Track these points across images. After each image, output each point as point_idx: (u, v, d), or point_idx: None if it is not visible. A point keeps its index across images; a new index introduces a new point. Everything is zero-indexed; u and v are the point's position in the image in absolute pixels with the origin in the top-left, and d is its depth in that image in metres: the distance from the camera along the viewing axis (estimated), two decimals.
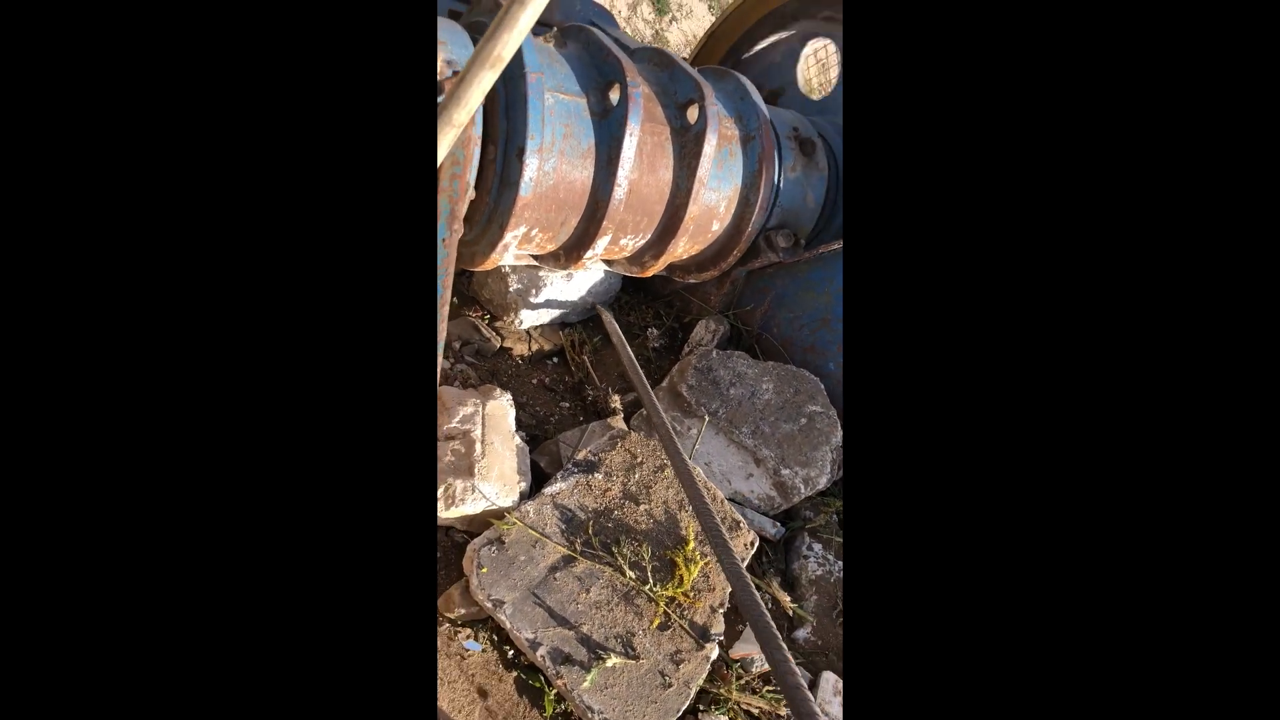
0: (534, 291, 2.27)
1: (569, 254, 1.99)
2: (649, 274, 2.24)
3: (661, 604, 1.62)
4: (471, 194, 1.73)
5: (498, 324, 2.26)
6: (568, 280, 2.31)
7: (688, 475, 1.66)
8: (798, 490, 2.08)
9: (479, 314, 2.26)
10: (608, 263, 2.24)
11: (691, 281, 2.35)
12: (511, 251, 1.91)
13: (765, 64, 2.79)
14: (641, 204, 1.94)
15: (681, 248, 2.15)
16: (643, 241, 2.06)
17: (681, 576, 1.68)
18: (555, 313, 2.35)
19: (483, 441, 1.79)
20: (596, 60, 1.85)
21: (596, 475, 1.82)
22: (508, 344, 2.23)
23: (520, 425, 2.04)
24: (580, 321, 2.42)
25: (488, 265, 1.91)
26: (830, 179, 2.32)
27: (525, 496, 1.80)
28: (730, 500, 2.07)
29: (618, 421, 2.06)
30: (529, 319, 2.31)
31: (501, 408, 1.86)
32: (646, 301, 2.58)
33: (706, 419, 2.14)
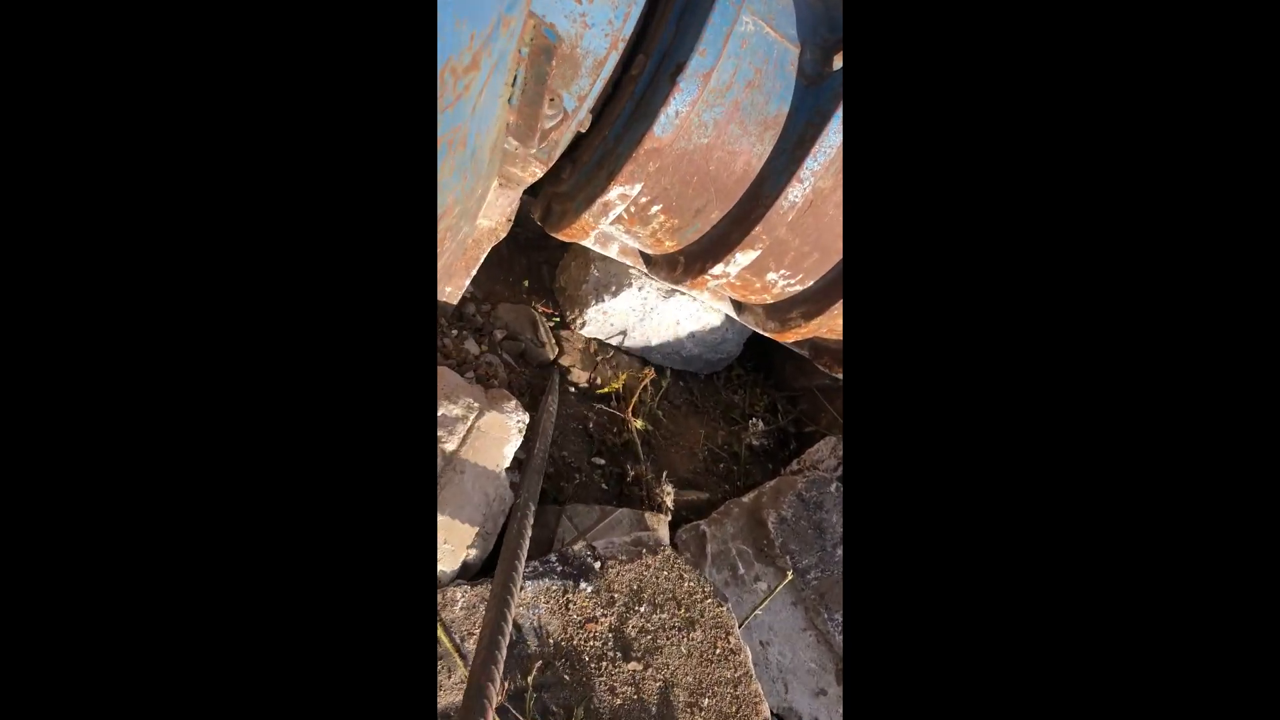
0: (615, 291, 1.63)
1: (690, 262, 1.37)
2: (788, 340, 1.56)
3: None
4: (585, 120, 1.18)
5: (563, 331, 1.65)
6: (666, 300, 1.65)
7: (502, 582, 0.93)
8: None
9: (546, 309, 1.67)
10: (737, 305, 1.59)
11: (839, 376, 1.63)
12: (612, 222, 1.32)
13: None
14: (820, 228, 1.29)
15: None
16: (799, 287, 1.40)
17: None
18: (637, 341, 1.70)
19: (449, 463, 1.15)
20: (831, 9, 1.27)
21: (584, 588, 1.11)
22: (565, 360, 1.61)
23: (520, 466, 1.38)
24: (664, 369, 1.75)
25: (575, 234, 1.33)
26: None
27: (468, 572, 1.13)
28: (776, 717, 1.26)
29: (659, 525, 1.35)
30: (596, 327, 1.66)
31: (503, 426, 1.22)
32: (765, 384, 1.88)
33: (789, 575, 1.37)
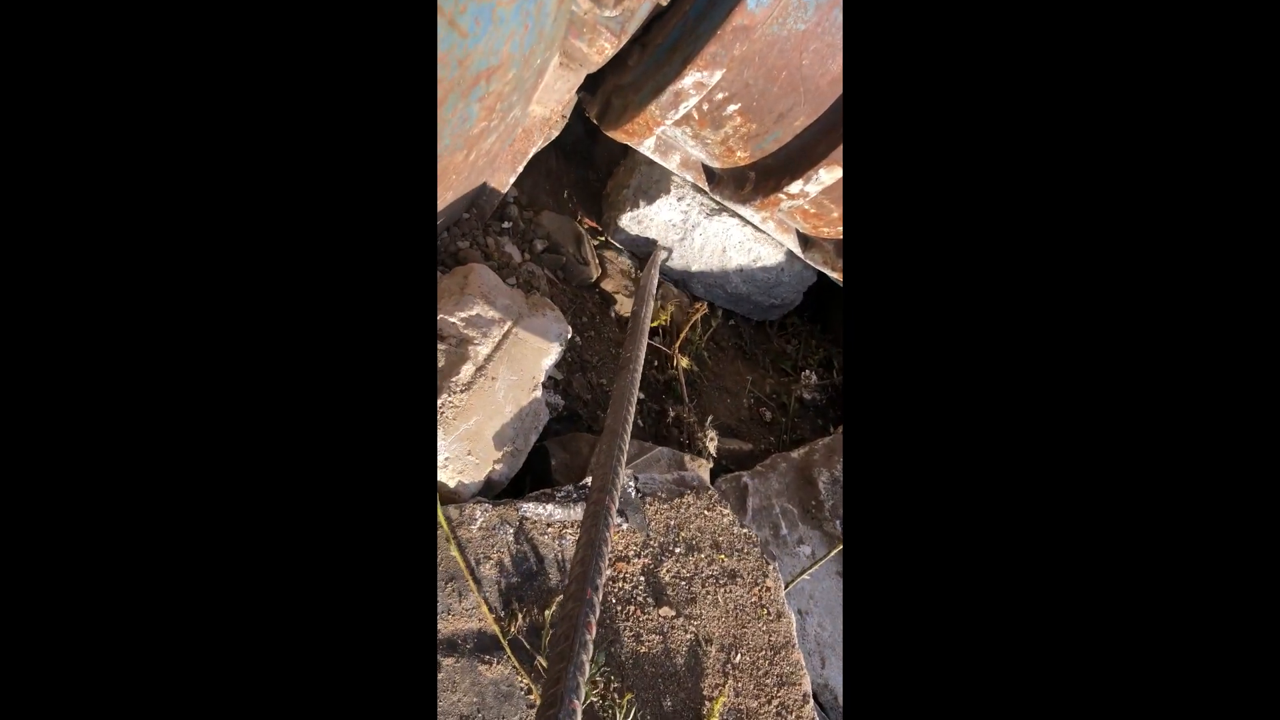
0: (652, 198, 1.45)
1: (764, 178, 1.21)
2: None
3: None
4: None
5: (607, 252, 1.50)
6: (710, 218, 1.47)
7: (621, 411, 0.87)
8: None
9: (593, 224, 1.52)
10: (804, 239, 1.43)
11: None
12: (678, 122, 1.16)
13: None
14: None
15: None
16: None
17: None
18: (676, 263, 1.53)
19: (480, 369, 1.02)
20: None
21: (619, 523, 0.98)
22: (607, 284, 1.46)
23: (558, 387, 1.25)
24: (714, 308, 1.59)
25: (636, 133, 1.18)
26: None
27: (491, 489, 1.00)
28: (813, 697, 1.14)
29: (700, 468, 1.21)
30: (629, 236, 1.49)
31: (544, 336, 1.09)
32: (822, 337, 1.72)
33: (838, 545, 1.23)
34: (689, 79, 1.03)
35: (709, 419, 1.35)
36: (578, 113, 1.33)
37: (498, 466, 0.99)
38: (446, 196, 1.10)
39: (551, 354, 1.10)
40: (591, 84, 1.27)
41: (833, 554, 1.22)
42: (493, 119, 1.02)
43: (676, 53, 1.05)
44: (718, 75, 1.02)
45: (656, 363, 1.41)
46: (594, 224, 1.53)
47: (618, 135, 1.21)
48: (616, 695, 0.86)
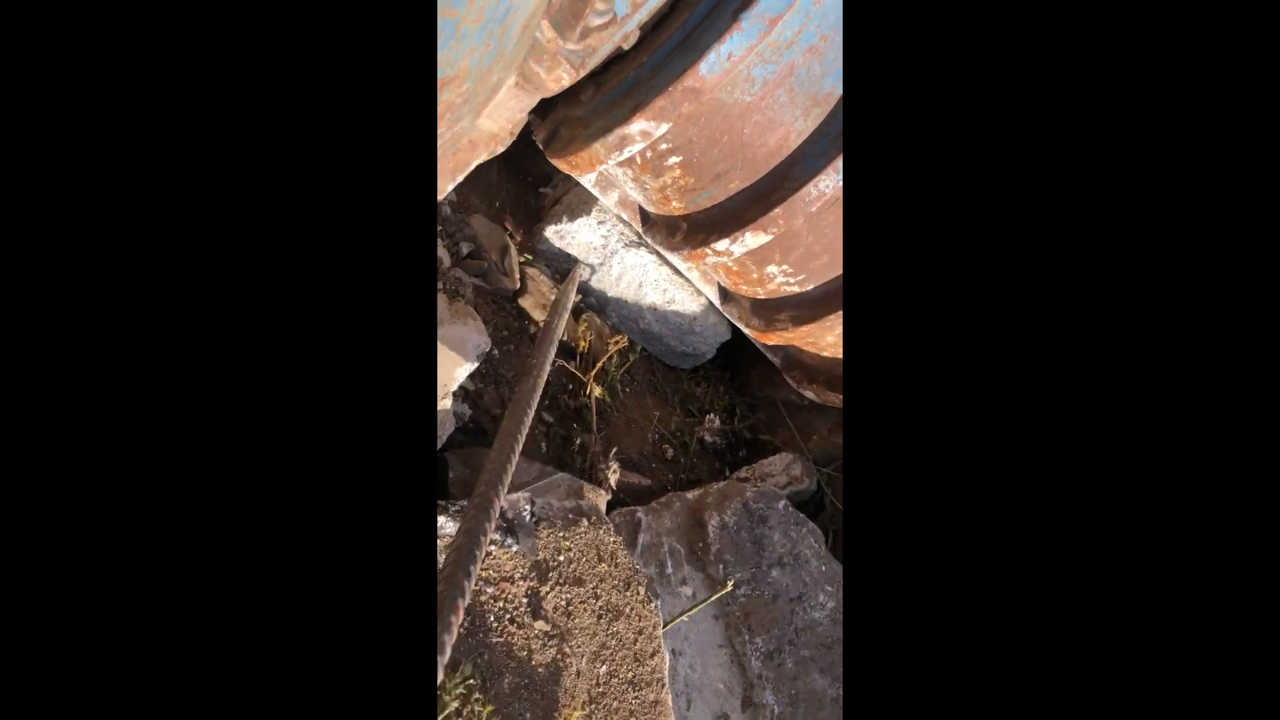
0: (580, 219, 1.45)
1: (694, 231, 1.27)
2: (768, 341, 1.47)
3: None
4: (632, 34, 1.05)
5: (530, 269, 1.51)
6: (629, 249, 1.51)
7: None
8: None
9: (522, 240, 1.53)
10: (724, 292, 1.49)
11: (808, 396, 1.56)
12: (622, 162, 1.20)
13: None
14: (838, 231, 1.21)
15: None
16: (796, 288, 1.32)
17: None
18: (598, 286, 1.56)
19: None
20: None
21: (509, 544, 0.97)
22: (526, 300, 1.47)
23: (468, 397, 1.24)
24: (634, 340, 1.63)
25: (579, 165, 1.20)
26: None
27: None
28: None
29: (598, 501, 1.23)
30: (552, 249, 1.50)
31: (459, 350, 1.08)
32: (729, 384, 1.79)
33: (728, 585, 1.27)
34: (636, 126, 1.07)
35: (613, 450, 1.37)
36: (526, 132, 1.35)
37: None
38: None
39: (466, 366, 1.09)
40: (543, 109, 1.29)
41: (714, 598, 1.26)
42: (441, 127, 1.01)
43: (628, 99, 1.09)
44: (664, 128, 1.07)
45: (570, 387, 1.42)
46: (523, 239, 1.53)
47: (561, 165, 1.24)
48: (477, 706, 0.85)
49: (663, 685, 1.03)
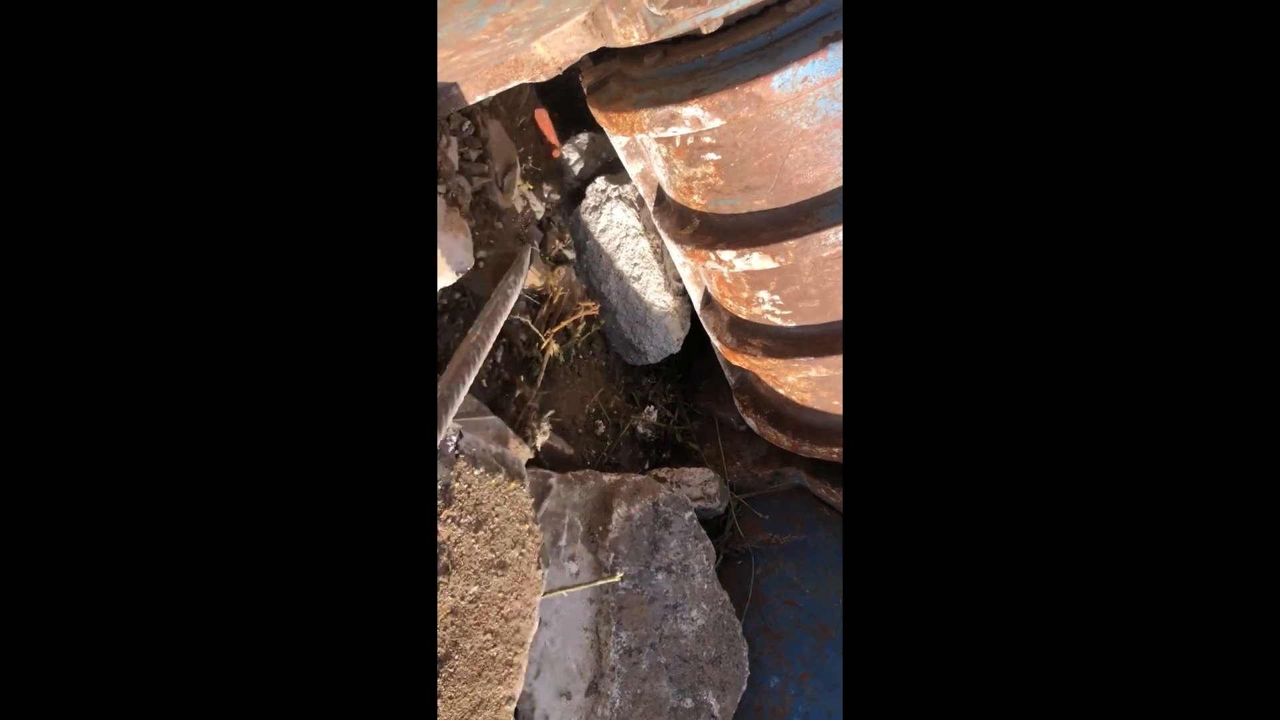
0: (591, 185, 1.44)
1: (704, 231, 1.25)
2: (732, 361, 1.48)
3: None
4: (715, 20, 1.02)
5: (532, 195, 1.45)
6: (624, 221, 1.49)
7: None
8: None
9: (533, 167, 1.46)
10: (706, 298, 1.49)
11: (748, 423, 1.58)
12: (661, 138, 1.17)
13: None
14: (838, 282, 1.22)
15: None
16: (779, 321, 1.32)
17: None
18: (585, 226, 1.52)
19: None
20: None
21: None
22: (516, 221, 1.41)
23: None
24: (604, 303, 1.59)
25: (617, 124, 1.16)
26: None
27: None
28: (518, 703, 1.17)
29: (520, 454, 1.21)
30: (563, 159, 1.50)
31: (442, 259, 1.03)
32: (679, 389, 1.79)
33: (605, 576, 1.29)
34: (690, 110, 1.04)
35: (549, 412, 1.35)
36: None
37: None
38: None
39: (444, 278, 1.04)
40: (598, 55, 1.23)
41: (598, 583, 1.27)
42: (496, 36, 0.95)
43: (691, 81, 1.05)
44: (716, 122, 1.05)
45: (524, 338, 1.39)
46: (534, 167, 1.48)
47: (600, 117, 1.19)
48: None
49: (522, 648, 1.03)
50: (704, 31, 1.05)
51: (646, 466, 1.63)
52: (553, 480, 1.31)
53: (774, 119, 1.06)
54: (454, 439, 1.00)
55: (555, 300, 1.45)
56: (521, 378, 1.37)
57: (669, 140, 1.15)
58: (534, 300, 1.43)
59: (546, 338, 1.38)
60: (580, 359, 1.53)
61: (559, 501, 1.32)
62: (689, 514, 1.46)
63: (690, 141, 1.13)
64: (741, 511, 1.65)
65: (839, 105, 1.04)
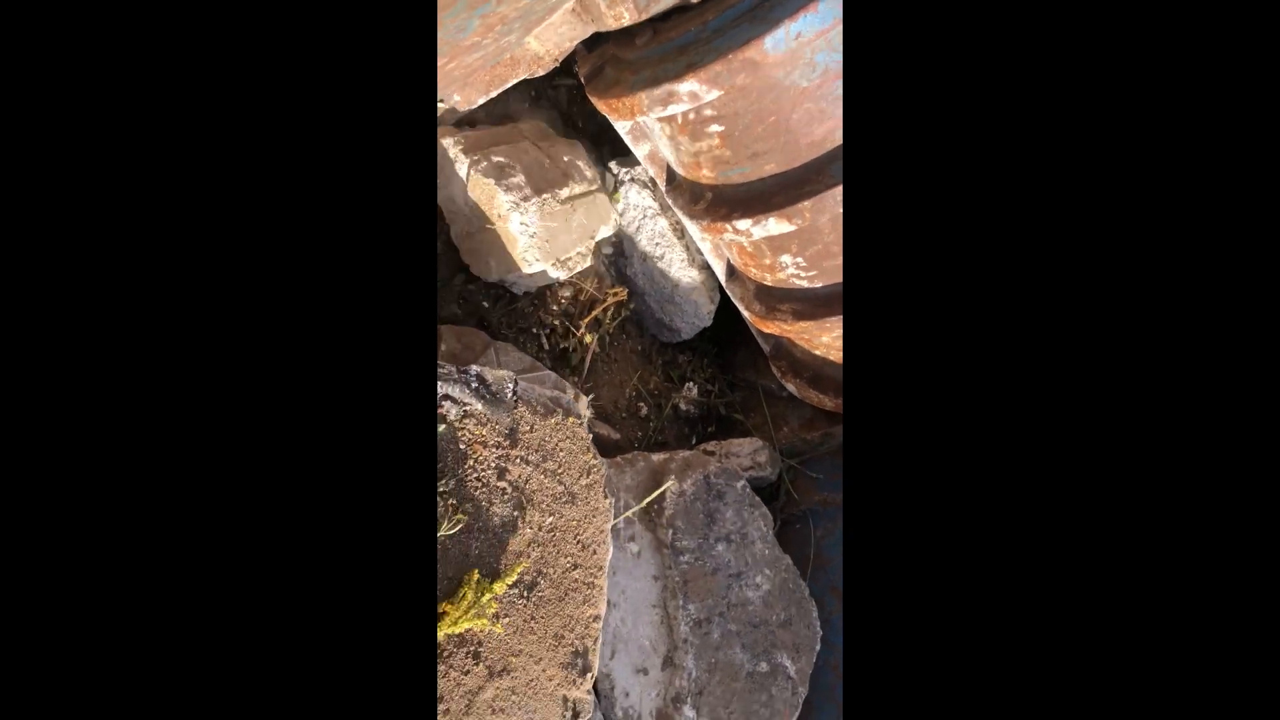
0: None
1: (718, 204, 1.25)
2: (764, 329, 1.48)
3: None
4: None
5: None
6: (655, 213, 1.50)
7: None
8: None
9: None
10: (730, 270, 1.49)
11: (789, 389, 1.58)
12: (662, 118, 1.17)
13: None
14: None
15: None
16: (805, 283, 1.31)
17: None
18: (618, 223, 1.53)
19: (570, 200, 1.17)
20: None
21: (487, 414, 1.03)
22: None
23: None
24: (632, 293, 1.60)
25: (616, 110, 1.17)
26: None
27: None
28: (594, 680, 1.21)
29: (579, 403, 1.24)
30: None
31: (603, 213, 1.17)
32: (716, 362, 1.80)
33: (666, 554, 1.32)
34: (686, 85, 1.04)
35: (590, 397, 1.38)
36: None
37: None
38: None
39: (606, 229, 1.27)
40: (592, 42, 1.24)
41: (661, 559, 1.30)
42: (487, 37, 0.97)
43: (684, 55, 1.05)
44: (714, 94, 1.04)
45: (557, 325, 1.42)
46: None
47: (600, 105, 1.20)
48: (452, 510, 0.95)
49: (600, 570, 1.09)
50: (693, 1, 1.04)
51: (694, 442, 1.64)
52: (602, 467, 1.34)
53: (772, 81, 1.04)
54: (510, 386, 1.08)
55: (584, 291, 1.48)
56: (563, 366, 1.40)
57: (670, 119, 1.15)
58: (564, 295, 1.46)
59: (580, 329, 1.41)
60: (614, 345, 1.55)
61: (610, 487, 1.35)
62: (741, 483, 1.47)
63: (692, 117, 1.13)
64: (794, 475, 1.66)
65: (838, 57, 1.02)
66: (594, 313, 1.44)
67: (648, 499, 1.34)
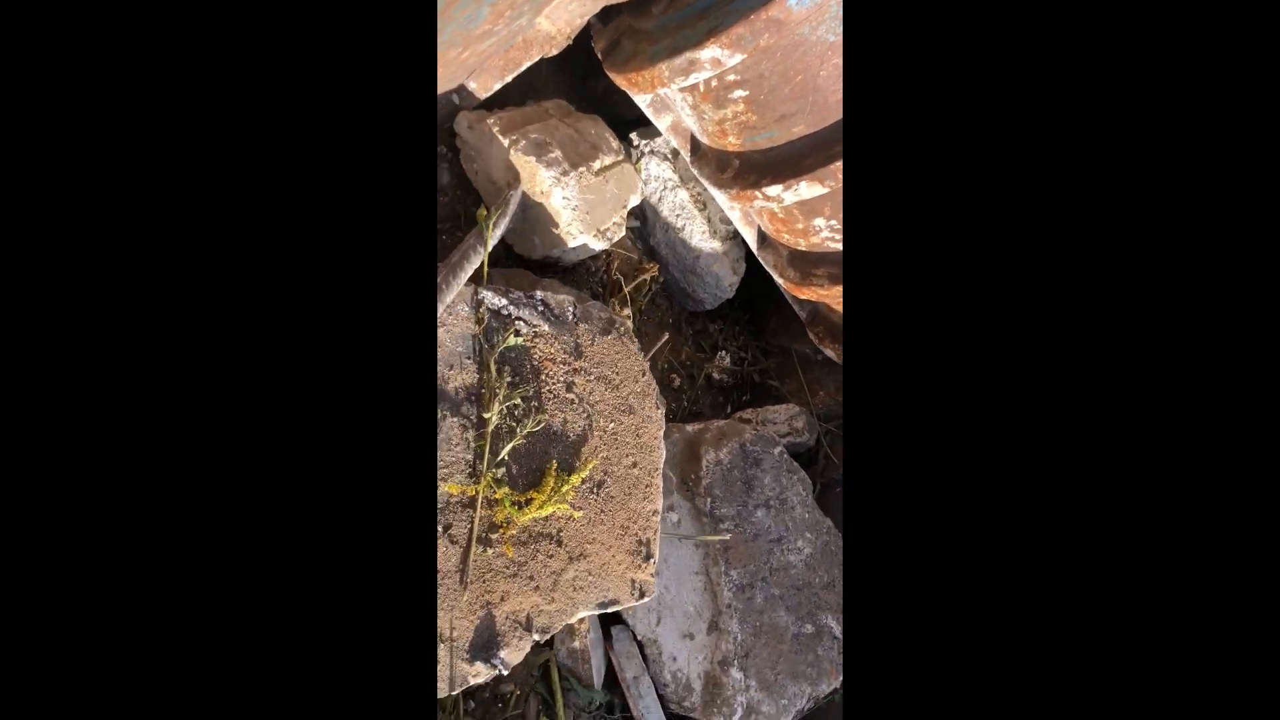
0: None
1: (746, 170, 1.22)
2: (800, 295, 1.46)
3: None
4: None
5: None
6: (674, 185, 1.48)
7: None
8: (730, 713, 1.26)
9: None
10: (761, 238, 1.46)
11: (827, 354, 1.56)
12: (683, 88, 1.14)
13: None
14: None
15: None
16: (841, 245, 1.28)
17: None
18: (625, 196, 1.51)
19: (602, 170, 1.27)
20: None
21: (552, 333, 1.16)
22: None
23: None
24: (663, 269, 1.60)
25: (636, 84, 1.14)
26: None
27: None
28: (639, 645, 1.26)
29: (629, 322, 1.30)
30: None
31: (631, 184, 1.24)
32: (746, 329, 1.79)
33: (704, 521, 1.34)
34: (708, 52, 1.01)
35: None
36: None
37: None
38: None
39: (635, 198, 1.31)
40: (605, 15, 1.21)
41: (706, 537, 1.32)
42: (498, 23, 0.95)
43: (704, 20, 1.02)
44: (737, 58, 1.01)
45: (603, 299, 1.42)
46: None
47: (619, 80, 1.17)
48: (534, 410, 1.11)
49: (656, 471, 1.20)
50: None
51: (729, 411, 1.65)
52: (654, 382, 1.36)
53: (798, 39, 1.01)
54: (571, 308, 1.19)
55: (615, 266, 1.47)
56: None
57: (693, 88, 1.12)
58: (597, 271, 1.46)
59: (614, 304, 1.41)
60: (645, 317, 1.55)
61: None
62: (778, 449, 1.48)
63: (715, 84, 1.10)
64: (833, 439, 1.65)
65: None
66: (625, 291, 1.44)
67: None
